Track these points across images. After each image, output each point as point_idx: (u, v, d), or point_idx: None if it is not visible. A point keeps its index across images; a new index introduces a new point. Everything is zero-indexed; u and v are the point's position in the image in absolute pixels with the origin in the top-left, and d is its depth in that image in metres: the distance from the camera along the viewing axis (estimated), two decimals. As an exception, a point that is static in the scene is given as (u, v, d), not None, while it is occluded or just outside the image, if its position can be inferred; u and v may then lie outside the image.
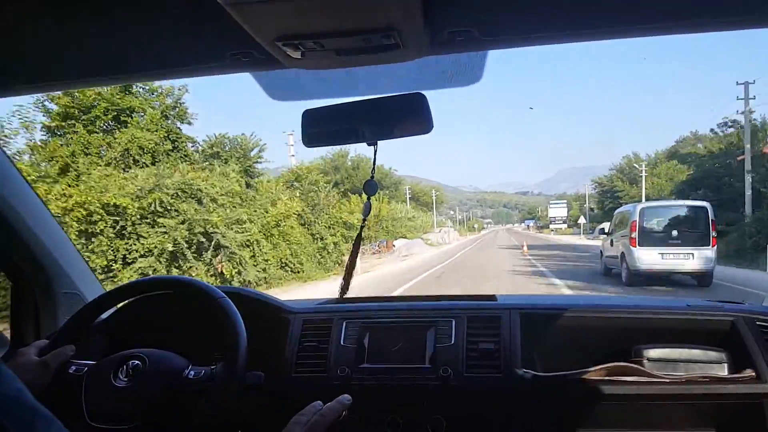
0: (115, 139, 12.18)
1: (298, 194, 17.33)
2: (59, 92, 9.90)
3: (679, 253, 9.43)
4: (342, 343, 1.28)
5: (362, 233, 1.05)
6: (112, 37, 0.74)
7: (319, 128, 0.97)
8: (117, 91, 12.89)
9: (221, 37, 0.70)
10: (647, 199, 40.04)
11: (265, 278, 13.21)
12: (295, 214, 15.44)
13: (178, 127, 14.31)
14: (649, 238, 9.63)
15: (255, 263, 12.83)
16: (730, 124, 31.75)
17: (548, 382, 1.18)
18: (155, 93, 13.83)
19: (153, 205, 10.65)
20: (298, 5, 0.57)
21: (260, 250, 13.06)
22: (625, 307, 1.34)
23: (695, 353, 1.21)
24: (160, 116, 13.44)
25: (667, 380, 1.16)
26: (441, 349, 1.24)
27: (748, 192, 20.51)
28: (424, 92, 0.88)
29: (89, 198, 9.90)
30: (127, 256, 10.44)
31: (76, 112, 12.07)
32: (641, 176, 49.44)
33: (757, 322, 1.22)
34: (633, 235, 9.67)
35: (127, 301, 1.22)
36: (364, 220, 1.02)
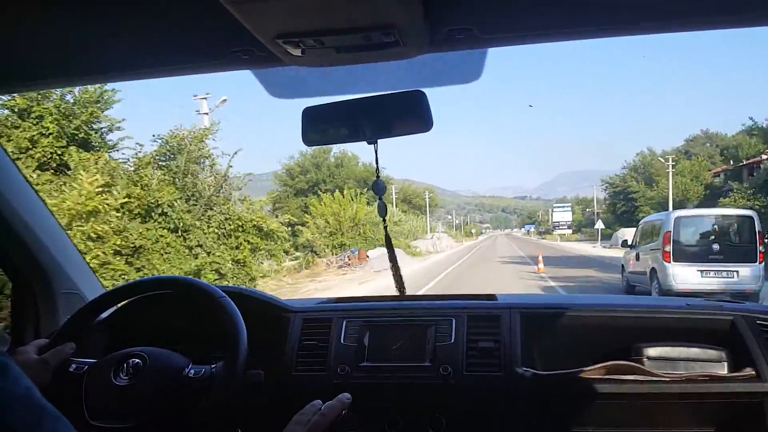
0: None
1: (167, 178, 10.74)
2: (58, 89, 8.32)
3: (721, 271, 8.11)
4: (342, 341, 1.28)
5: (388, 235, 1.11)
6: (112, 35, 0.74)
7: (319, 126, 0.97)
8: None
9: (222, 34, 0.70)
10: (673, 203, 34.42)
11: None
12: (113, 209, 8.73)
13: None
14: (685, 253, 8.33)
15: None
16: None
17: (548, 381, 1.19)
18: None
19: None
20: (299, 3, 0.57)
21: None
22: (625, 306, 1.35)
23: (695, 352, 1.22)
24: None
25: (667, 379, 1.16)
26: (441, 347, 1.24)
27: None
28: (424, 90, 0.88)
29: None
30: None
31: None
32: (660, 175, 43.65)
33: (757, 321, 1.23)
34: (666, 249, 8.32)
35: (127, 301, 1.22)
36: (384, 221, 1.06)
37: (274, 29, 0.63)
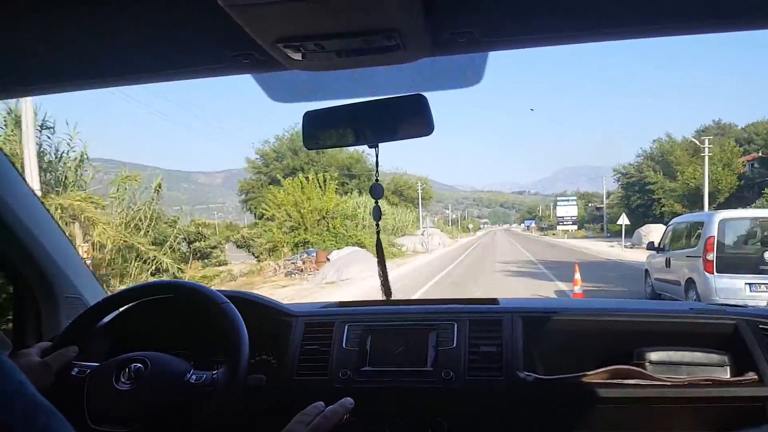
0: None
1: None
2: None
3: None
4: (344, 346, 1.28)
5: (380, 240, 1.07)
6: (113, 39, 0.74)
7: (320, 130, 0.97)
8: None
9: (222, 38, 0.70)
10: (698, 194, 29.37)
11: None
12: None
13: None
14: (731, 263, 6.78)
15: None
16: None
17: (550, 385, 1.18)
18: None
19: None
20: (299, 7, 0.57)
21: None
22: (627, 310, 1.33)
23: (697, 356, 1.21)
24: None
25: (669, 383, 1.16)
26: (443, 352, 1.23)
27: None
28: (424, 94, 0.88)
29: None
30: None
31: None
32: (680, 164, 38.18)
33: (760, 326, 1.22)
34: (709, 257, 6.80)
35: (129, 305, 1.22)
36: (377, 224, 1.03)
37: (274, 33, 0.63)
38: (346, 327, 1.30)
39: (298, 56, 0.68)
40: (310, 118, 0.95)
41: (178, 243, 15.26)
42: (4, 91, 0.92)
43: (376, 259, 1.10)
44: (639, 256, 15.81)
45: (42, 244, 1.22)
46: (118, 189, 11.86)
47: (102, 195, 11.46)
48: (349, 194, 30.25)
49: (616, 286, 10.66)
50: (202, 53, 0.77)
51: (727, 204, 30.36)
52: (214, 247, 21.98)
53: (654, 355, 1.20)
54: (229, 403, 0.90)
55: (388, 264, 1.11)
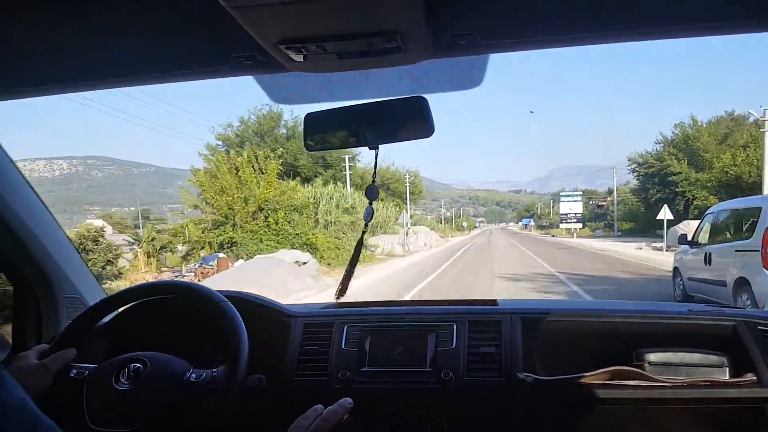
0: None
1: None
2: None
3: None
4: (343, 346, 1.27)
5: (361, 241, 1.04)
6: (114, 40, 0.73)
7: (320, 131, 0.97)
8: None
9: (223, 40, 0.70)
10: (741, 186, 23.81)
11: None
12: None
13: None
14: None
15: None
16: None
17: (549, 386, 1.18)
18: None
19: None
20: (301, 9, 0.57)
21: None
22: (626, 311, 1.33)
23: (696, 357, 1.21)
24: None
25: (668, 384, 1.15)
26: (442, 352, 1.23)
27: None
28: (425, 96, 0.88)
29: None
30: None
31: None
32: (708, 150, 32.39)
33: (759, 327, 1.21)
34: None
35: (129, 305, 1.22)
36: (366, 225, 1.02)
37: (276, 35, 0.63)
38: (346, 327, 1.30)
39: (299, 58, 0.68)
40: (311, 119, 0.95)
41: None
42: (4, 91, 0.93)
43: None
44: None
45: (42, 244, 1.22)
46: None
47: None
48: (309, 182, 24.15)
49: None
50: (204, 55, 0.77)
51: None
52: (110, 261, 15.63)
53: (653, 356, 1.20)
54: (230, 401, 0.90)
55: (335, 274, 1.66)
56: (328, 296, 8.90)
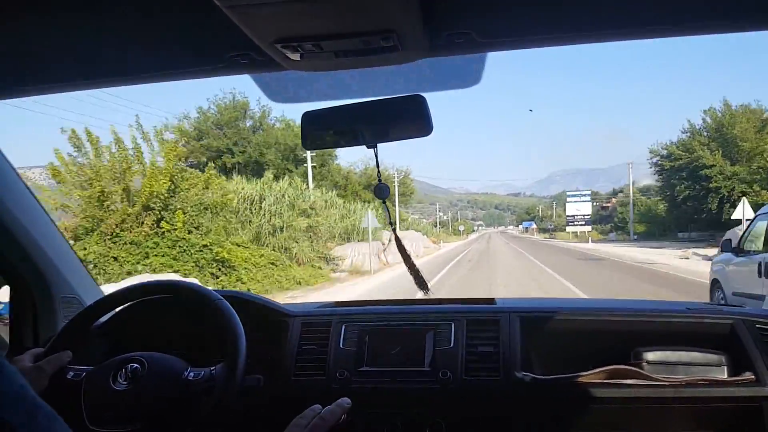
0: None
1: None
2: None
3: None
4: (341, 346, 1.27)
5: (397, 237, 1.04)
6: (110, 40, 0.74)
7: (318, 130, 0.97)
8: None
9: (219, 39, 0.70)
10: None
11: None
12: None
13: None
14: None
15: None
16: None
17: (547, 385, 1.18)
18: None
19: None
20: (297, 7, 0.57)
21: None
22: (624, 310, 1.33)
23: (694, 356, 1.20)
24: None
25: (666, 383, 1.15)
26: (440, 352, 1.23)
27: None
28: (423, 94, 0.88)
29: None
30: None
31: None
32: (747, 139, 27.12)
33: (757, 325, 1.21)
34: None
35: (125, 305, 1.21)
36: (392, 223, 1.04)
37: (272, 33, 0.63)
38: (344, 327, 1.30)
39: (296, 56, 0.68)
40: (308, 118, 0.95)
41: None
42: (4, 91, 0.93)
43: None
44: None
45: (39, 244, 1.22)
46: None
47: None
48: (278, 180, 19.02)
49: None
50: (200, 54, 0.77)
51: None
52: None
53: (651, 355, 1.20)
54: (228, 399, 0.89)
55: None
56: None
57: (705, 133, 29.88)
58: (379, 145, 0.91)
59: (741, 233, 6.68)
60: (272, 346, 1.26)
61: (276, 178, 19.79)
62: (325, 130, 0.96)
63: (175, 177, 11.20)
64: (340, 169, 35.27)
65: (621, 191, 66.47)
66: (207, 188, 11.98)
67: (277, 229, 15.62)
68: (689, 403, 1.14)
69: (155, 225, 10.75)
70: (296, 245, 15.42)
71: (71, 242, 10.46)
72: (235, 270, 11.23)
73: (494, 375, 1.17)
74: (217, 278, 11.12)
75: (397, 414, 1.19)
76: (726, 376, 1.16)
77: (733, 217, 13.34)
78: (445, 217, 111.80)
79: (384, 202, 0.97)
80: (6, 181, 1.14)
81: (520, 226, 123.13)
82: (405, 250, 1.03)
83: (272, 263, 12.81)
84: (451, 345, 1.21)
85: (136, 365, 0.92)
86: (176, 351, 1.01)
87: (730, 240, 6.75)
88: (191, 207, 11.32)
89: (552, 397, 1.18)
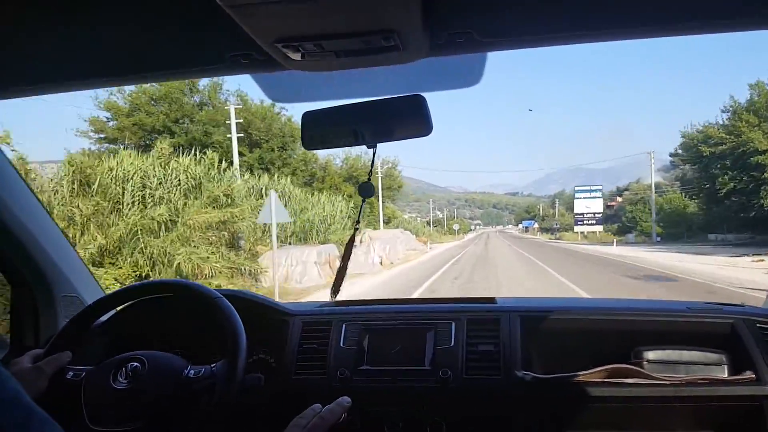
0: None
1: None
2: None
3: None
4: (342, 345, 1.28)
5: (353, 239, 1.02)
6: (111, 39, 0.74)
7: (318, 130, 0.97)
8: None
9: (221, 38, 0.70)
10: None
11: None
12: None
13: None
14: None
15: None
16: None
17: (548, 384, 1.18)
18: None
19: None
20: (298, 7, 0.57)
21: None
22: (625, 309, 1.33)
23: (695, 355, 1.21)
24: None
25: (667, 382, 1.15)
26: (441, 351, 1.23)
27: None
28: (423, 94, 0.88)
29: None
30: None
31: None
32: None
33: (757, 324, 1.22)
34: None
35: (126, 304, 1.22)
36: (358, 222, 1.02)
37: (273, 33, 0.63)
38: (344, 326, 1.30)
39: (297, 56, 0.68)
40: (309, 118, 0.95)
41: None
42: (4, 91, 0.93)
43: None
44: None
45: (40, 243, 1.22)
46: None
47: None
48: (232, 164, 13.68)
49: None
50: (201, 53, 0.77)
51: None
52: None
53: (652, 354, 1.21)
54: (230, 396, 0.90)
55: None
56: None
57: (753, 113, 24.35)
58: (378, 144, 0.91)
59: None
60: (273, 345, 1.27)
61: (221, 161, 14.12)
62: (325, 130, 0.96)
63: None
64: (317, 158, 29.62)
65: (627, 189, 60.40)
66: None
67: (162, 226, 10.09)
68: (690, 402, 1.16)
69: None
70: (184, 251, 9.84)
71: None
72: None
73: (495, 374, 1.18)
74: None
75: (398, 413, 1.21)
76: (726, 375, 1.17)
77: None
78: (441, 216, 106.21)
79: (363, 201, 0.96)
80: (7, 181, 1.15)
81: (520, 226, 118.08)
82: (349, 255, 1.00)
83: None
84: (452, 344, 1.23)
85: (136, 364, 0.92)
86: (176, 349, 1.02)
87: None
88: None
89: (552, 396, 1.20)
